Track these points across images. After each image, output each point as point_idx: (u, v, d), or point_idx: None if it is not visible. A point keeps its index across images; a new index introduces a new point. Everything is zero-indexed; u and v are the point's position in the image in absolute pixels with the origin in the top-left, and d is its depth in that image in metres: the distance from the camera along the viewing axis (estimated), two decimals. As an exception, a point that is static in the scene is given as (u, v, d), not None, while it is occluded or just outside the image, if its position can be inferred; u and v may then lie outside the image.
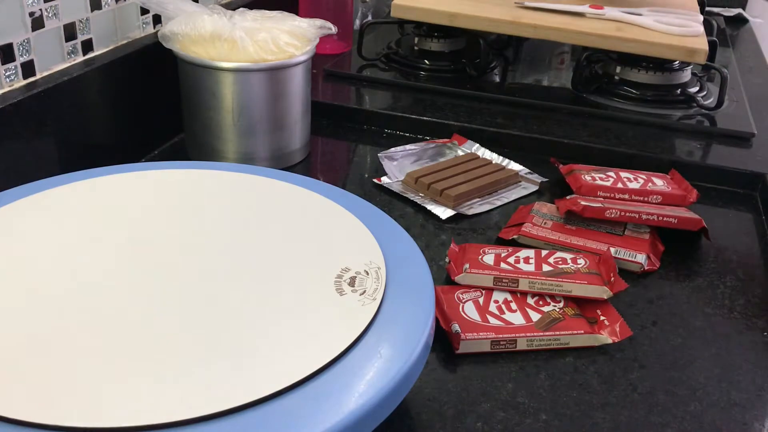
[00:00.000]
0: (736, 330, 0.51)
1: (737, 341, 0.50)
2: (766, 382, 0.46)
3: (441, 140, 0.76)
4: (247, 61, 0.63)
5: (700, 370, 0.47)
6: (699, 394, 0.45)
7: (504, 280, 0.51)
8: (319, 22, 0.67)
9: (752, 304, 0.54)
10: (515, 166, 0.72)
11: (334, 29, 0.67)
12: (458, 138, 0.76)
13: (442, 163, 0.70)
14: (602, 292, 0.50)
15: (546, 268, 0.52)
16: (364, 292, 0.38)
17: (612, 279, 0.51)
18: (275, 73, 0.64)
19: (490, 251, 0.54)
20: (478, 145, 0.75)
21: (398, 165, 0.70)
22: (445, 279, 0.54)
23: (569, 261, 0.53)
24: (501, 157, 0.73)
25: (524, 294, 0.51)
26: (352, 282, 0.39)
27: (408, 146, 0.74)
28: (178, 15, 0.64)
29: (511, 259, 0.53)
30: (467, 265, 0.52)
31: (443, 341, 0.47)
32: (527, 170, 0.72)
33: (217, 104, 0.65)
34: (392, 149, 0.73)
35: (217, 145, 0.67)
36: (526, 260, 0.53)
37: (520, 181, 0.70)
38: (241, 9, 0.67)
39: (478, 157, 0.72)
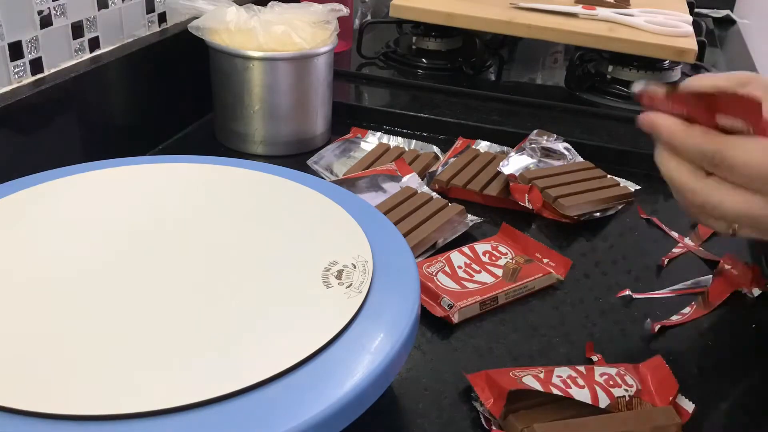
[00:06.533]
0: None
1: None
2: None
3: (344, 136, 0.75)
4: (271, 50, 0.67)
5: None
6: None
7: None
8: (329, 6, 0.70)
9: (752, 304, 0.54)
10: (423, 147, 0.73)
11: (345, 10, 0.70)
12: (359, 131, 0.76)
13: (364, 159, 0.70)
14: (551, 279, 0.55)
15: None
16: (351, 285, 0.38)
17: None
18: (299, 62, 0.68)
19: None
20: (380, 134, 0.75)
21: (327, 165, 0.70)
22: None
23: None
24: (412, 141, 0.75)
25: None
26: (339, 275, 0.39)
27: (322, 150, 0.73)
28: (208, 10, 0.68)
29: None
30: None
31: (440, 331, 0.48)
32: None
33: (244, 91, 0.69)
34: (314, 156, 0.71)
35: (242, 129, 0.71)
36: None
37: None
38: (271, 3, 0.71)
39: (390, 146, 0.73)
